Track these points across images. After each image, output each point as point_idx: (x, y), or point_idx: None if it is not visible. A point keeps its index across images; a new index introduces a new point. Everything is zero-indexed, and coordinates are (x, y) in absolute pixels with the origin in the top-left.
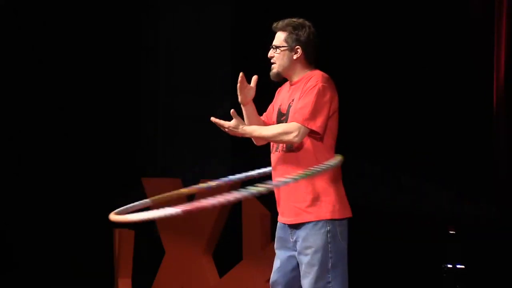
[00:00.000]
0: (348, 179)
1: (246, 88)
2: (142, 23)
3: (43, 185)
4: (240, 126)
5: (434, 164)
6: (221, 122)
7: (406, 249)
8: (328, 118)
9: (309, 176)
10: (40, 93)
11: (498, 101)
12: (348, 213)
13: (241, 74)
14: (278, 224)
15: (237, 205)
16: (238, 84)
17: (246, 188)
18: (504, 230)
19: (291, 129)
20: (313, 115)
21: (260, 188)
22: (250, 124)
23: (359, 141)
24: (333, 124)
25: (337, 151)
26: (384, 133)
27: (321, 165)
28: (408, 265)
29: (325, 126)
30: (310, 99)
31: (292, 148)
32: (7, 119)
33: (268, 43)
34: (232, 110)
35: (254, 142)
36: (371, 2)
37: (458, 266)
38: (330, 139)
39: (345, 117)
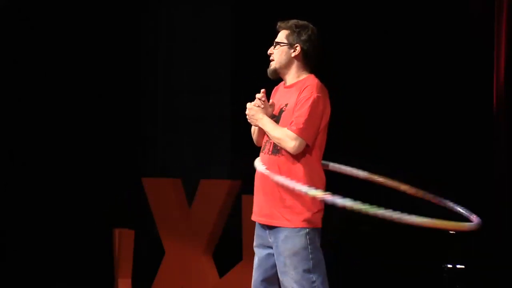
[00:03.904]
0: (349, 178)
1: (266, 104)
2: (142, 23)
3: (43, 185)
4: (261, 114)
5: (434, 164)
6: (257, 102)
7: (406, 249)
8: (318, 129)
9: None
10: (41, 93)
11: (498, 101)
12: (320, 224)
13: (262, 90)
14: (256, 222)
15: (237, 205)
16: (260, 102)
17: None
18: (504, 230)
19: (290, 138)
20: (306, 126)
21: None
22: (258, 138)
23: (358, 142)
24: (322, 136)
25: (343, 148)
26: (384, 134)
27: (309, 189)
28: (408, 265)
29: (315, 137)
30: (304, 110)
31: (277, 153)
32: (8, 121)
33: (268, 43)
34: (263, 90)
35: (254, 142)
36: (370, 2)
37: (458, 266)
38: (317, 150)
39: (345, 118)
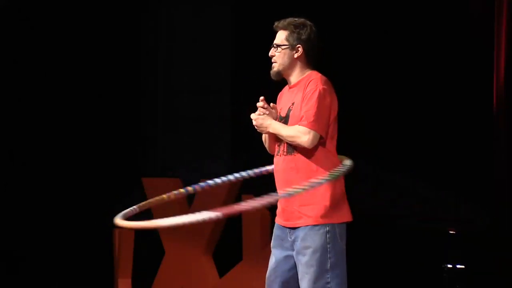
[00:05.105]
0: (348, 181)
1: (270, 109)
2: (141, 23)
3: (43, 185)
4: (269, 120)
5: (434, 164)
6: (261, 110)
7: (406, 249)
8: (329, 120)
9: (329, 181)
10: (41, 93)
11: (498, 101)
12: (346, 217)
13: (261, 98)
14: (276, 224)
15: None
16: (263, 110)
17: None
18: (504, 230)
19: (303, 133)
20: (317, 118)
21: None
22: (270, 146)
23: (358, 142)
24: (334, 128)
25: (342, 149)
26: (384, 134)
27: (335, 169)
28: (408, 265)
29: (327, 128)
30: (312, 103)
31: (292, 152)
32: (8, 121)
33: (268, 43)
34: (261, 98)
35: (268, 150)
36: (371, 2)
37: (458, 266)
38: (330, 143)
39: (345, 118)
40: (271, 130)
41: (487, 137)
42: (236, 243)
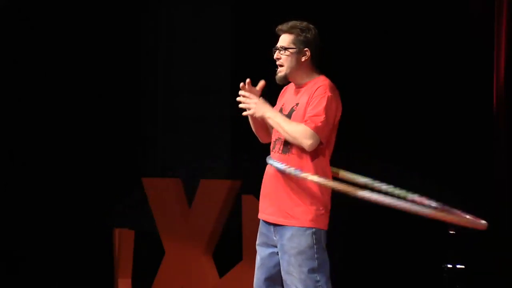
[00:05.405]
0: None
1: (252, 93)
2: (141, 23)
3: (43, 185)
4: (268, 105)
5: (434, 164)
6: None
7: (406, 249)
8: (331, 129)
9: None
10: (41, 93)
11: (498, 101)
12: (326, 226)
13: (247, 80)
14: (261, 220)
15: (237, 205)
16: (244, 92)
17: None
18: (504, 230)
19: (308, 135)
20: (323, 125)
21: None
22: (257, 132)
23: (358, 142)
24: (333, 135)
25: (342, 148)
26: (384, 133)
27: (320, 179)
28: (408, 265)
29: (328, 137)
30: (320, 109)
31: (287, 152)
32: (8, 121)
33: (268, 43)
34: (248, 81)
35: (259, 139)
36: (370, 2)
37: (458, 266)
38: (326, 149)
39: (345, 118)
40: (268, 115)
41: (487, 137)
42: (236, 243)
